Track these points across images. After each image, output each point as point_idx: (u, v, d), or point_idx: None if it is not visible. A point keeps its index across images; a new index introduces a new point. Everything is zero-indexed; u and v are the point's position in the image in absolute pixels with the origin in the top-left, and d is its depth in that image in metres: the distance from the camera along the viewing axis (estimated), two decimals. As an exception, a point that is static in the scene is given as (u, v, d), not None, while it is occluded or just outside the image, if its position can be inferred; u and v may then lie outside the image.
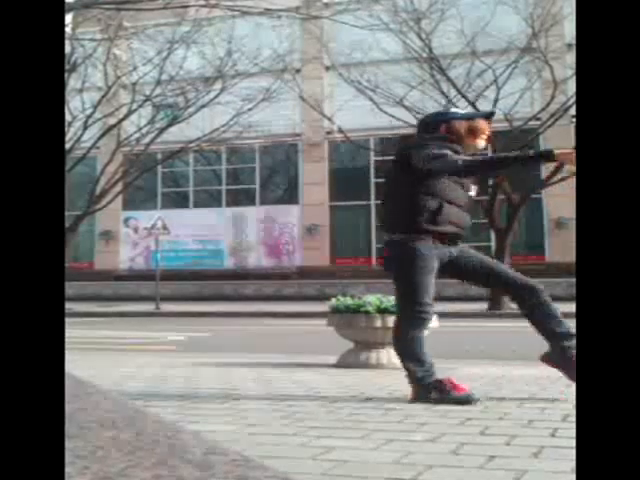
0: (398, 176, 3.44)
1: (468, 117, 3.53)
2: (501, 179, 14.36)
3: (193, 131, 18.63)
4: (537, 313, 3.26)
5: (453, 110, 3.75)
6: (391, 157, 3.57)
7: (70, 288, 16.24)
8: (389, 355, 4.81)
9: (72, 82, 17.39)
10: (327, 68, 21.36)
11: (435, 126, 3.46)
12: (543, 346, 3.31)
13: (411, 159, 3.31)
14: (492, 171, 3.44)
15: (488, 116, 3.59)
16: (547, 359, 3.34)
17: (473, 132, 3.43)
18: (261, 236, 23.18)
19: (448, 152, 3.27)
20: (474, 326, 11.35)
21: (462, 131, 3.41)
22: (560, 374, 4.23)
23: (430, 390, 3.17)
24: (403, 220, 3.33)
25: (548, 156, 3.21)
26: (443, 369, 4.41)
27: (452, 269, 3.40)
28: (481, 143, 3.47)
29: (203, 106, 18.38)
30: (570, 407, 2.89)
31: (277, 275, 22.05)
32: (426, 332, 3.36)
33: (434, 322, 4.87)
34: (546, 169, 16.19)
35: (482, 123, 3.48)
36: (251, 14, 11.93)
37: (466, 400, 3.09)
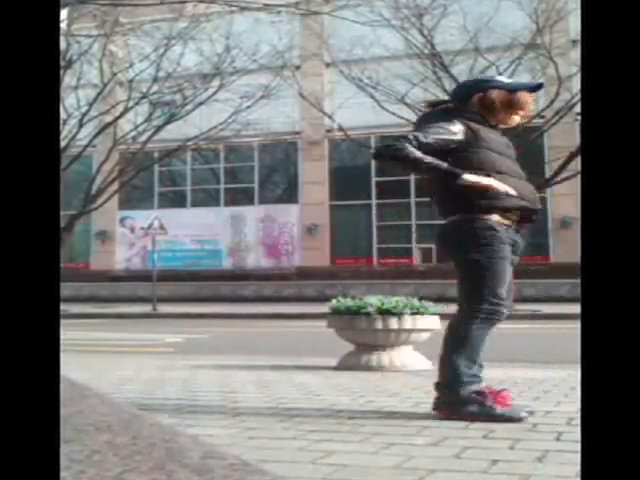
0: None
1: (511, 88, 3.03)
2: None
3: (191, 129, 18.60)
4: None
5: (497, 78, 3.19)
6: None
7: (65, 289, 16.23)
8: (390, 357, 4.78)
9: (67, 79, 17.32)
10: (327, 65, 21.33)
11: (468, 94, 3.03)
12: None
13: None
14: (421, 173, 3.13)
15: (534, 89, 3.14)
16: None
17: (512, 106, 3.00)
18: (260, 236, 23.16)
19: (413, 135, 2.79)
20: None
21: (497, 103, 2.98)
22: (561, 375, 4.22)
23: (469, 401, 2.71)
24: (457, 199, 2.87)
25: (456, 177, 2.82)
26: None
27: None
28: (515, 119, 3.07)
29: (201, 103, 18.35)
30: (574, 410, 2.86)
31: (276, 276, 22.03)
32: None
33: (437, 324, 4.82)
34: (549, 168, 16.19)
35: (525, 97, 3.03)
36: (250, 10, 11.88)
37: (512, 418, 2.64)
